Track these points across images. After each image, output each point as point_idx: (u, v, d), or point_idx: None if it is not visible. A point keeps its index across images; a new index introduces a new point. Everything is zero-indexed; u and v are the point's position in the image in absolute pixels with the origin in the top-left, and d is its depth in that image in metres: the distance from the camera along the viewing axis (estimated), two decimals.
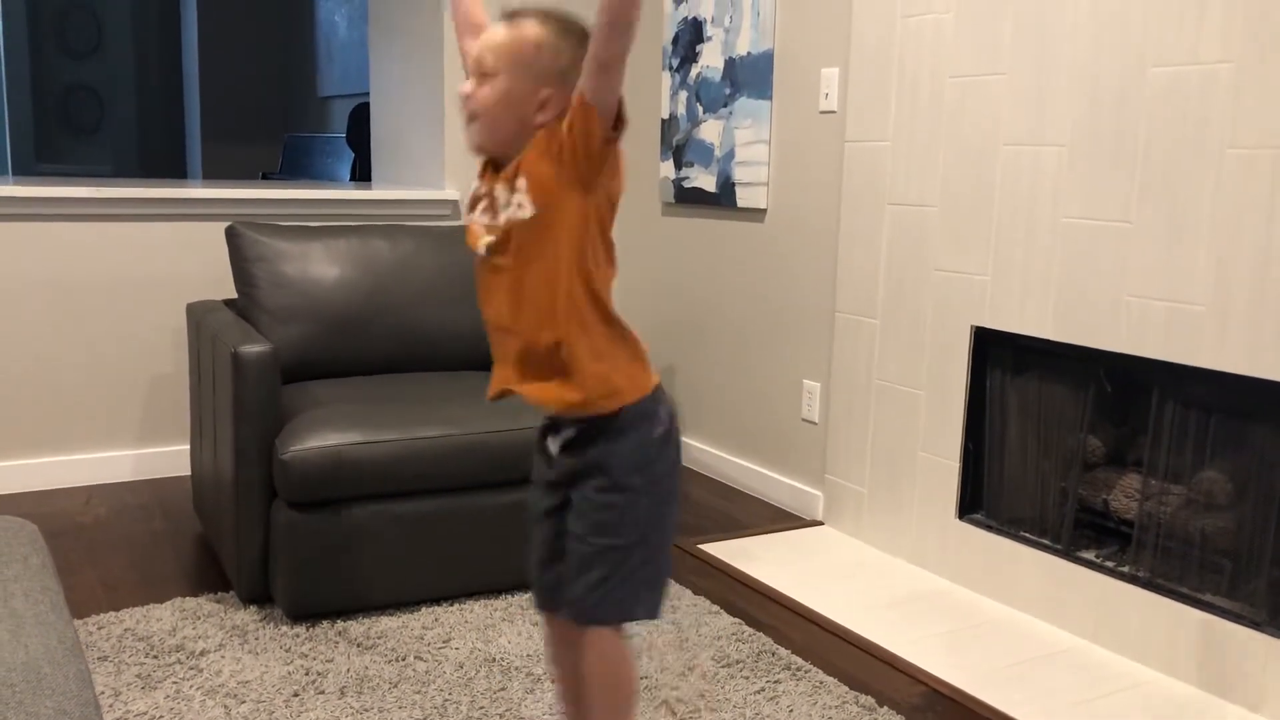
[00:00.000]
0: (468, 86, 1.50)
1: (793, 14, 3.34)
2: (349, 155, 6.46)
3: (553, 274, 1.51)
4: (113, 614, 2.50)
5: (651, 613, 1.61)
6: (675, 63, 3.81)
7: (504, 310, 1.55)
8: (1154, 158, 2.36)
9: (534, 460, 1.71)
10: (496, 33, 1.49)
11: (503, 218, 1.52)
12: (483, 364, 3.09)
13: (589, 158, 1.47)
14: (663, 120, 3.88)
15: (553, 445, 1.64)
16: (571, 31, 1.49)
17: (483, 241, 1.54)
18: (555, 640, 1.77)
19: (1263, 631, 2.23)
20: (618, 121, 1.47)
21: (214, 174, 8.07)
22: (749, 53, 3.48)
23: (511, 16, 1.49)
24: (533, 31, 1.47)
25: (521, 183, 1.49)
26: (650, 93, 3.97)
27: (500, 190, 1.52)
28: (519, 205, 1.49)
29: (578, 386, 1.54)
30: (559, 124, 1.47)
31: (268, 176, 7.51)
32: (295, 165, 7.44)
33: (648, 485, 1.58)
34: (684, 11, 3.75)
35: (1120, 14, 2.40)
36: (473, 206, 1.59)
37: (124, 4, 8.79)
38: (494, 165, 1.57)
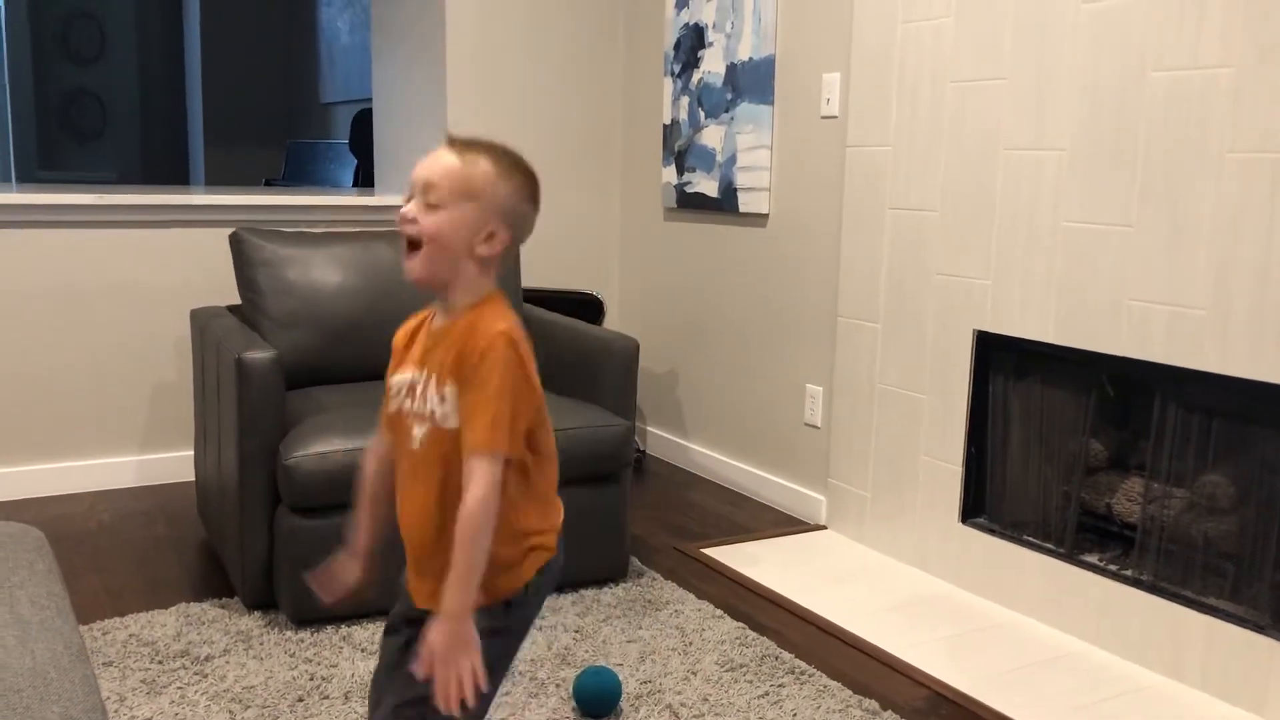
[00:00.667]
0: (411, 210, 1.45)
1: (794, 19, 3.35)
2: (352, 161, 6.48)
3: (448, 484, 1.44)
4: (118, 620, 2.51)
5: None
6: (677, 68, 3.82)
7: (424, 512, 1.49)
8: (1154, 161, 2.36)
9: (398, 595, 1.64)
10: (446, 161, 1.46)
11: (431, 415, 1.45)
12: None
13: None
14: (664, 126, 3.89)
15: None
16: (519, 170, 1.49)
17: (415, 436, 1.48)
18: None
19: (1266, 635, 2.24)
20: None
21: (217, 180, 8.09)
22: (750, 58, 3.49)
23: (460, 147, 1.47)
24: (484, 166, 1.46)
25: (449, 391, 1.44)
26: (652, 98, 3.98)
27: (430, 388, 1.46)
28: (445, 416, 1.44)
29: (482, 591, 1.44)
30: (480, 360, 1.41)
31: (271, 183, 7.53)
32: (298, 171, 7.46)
33: (497, 644, 1.48)
34: (685, 17, 3.76)
35: (1120, 18, 2.41)
36: (398, 390, 1.52)
37: (127, 10, 8.81)
38: (423, 347, 1.51)
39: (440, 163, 1.46)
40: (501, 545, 1.44)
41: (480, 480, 1.38)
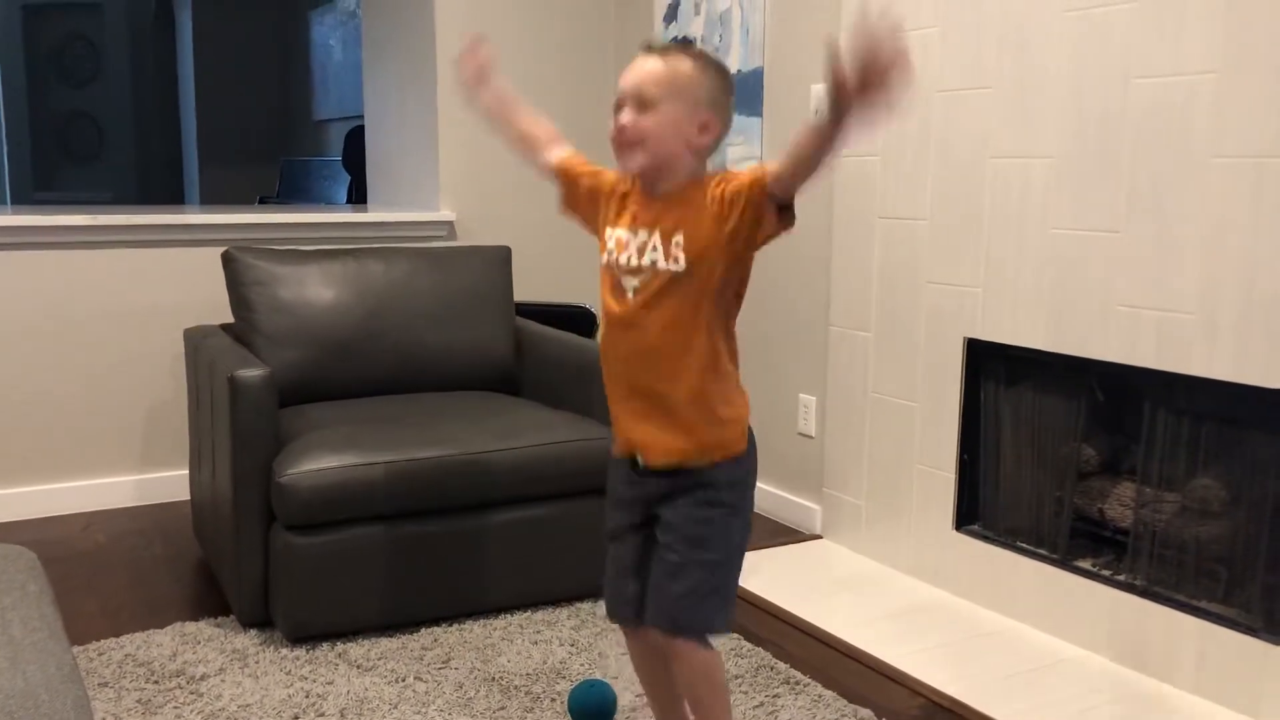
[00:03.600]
0: (626, 117, 1.60)
1: (782, 31, 3.37)
2: (345, 178, 6.49)
3: (692, 327, 1.61)
4: (113, 640, 2.51)
5: (728, 625, 1.70)
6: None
7: (637, 359, 1.65)
8: (1140, 168, 2.38)
9: (612, 478, 1.79)
10: (650, 65, 1.61)
11: (652, 267, 1.61)
12: (478, 384, 3.12)
13: (750, 243, 1.60)
14: (614, 144, 3.90)
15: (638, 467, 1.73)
16: (713, 63, 1.63)
17: (630, 287, 1.64)
18: (639, 651, 1.84)
19: (1259, 638, 2.24)
20: (786, 218, 1.59)
21: (212, 199, 8.11)
22: (739, 70, 3.50)
23: (660, 51, 1.62)
24: (686, 64, 1.60)
25: (679, 238, 1.59)
26: None
27: (654, 240, 1.62)
28: (674, 260, 1.59)
29: (697, 439, 1.65)
30: (732, 196, 1.57)
31: (265, 200, 7.54)
32: (293, 189, 7.47)
33: (739, 504, 1.69)
34: (674, 30, 3.78)
35: (1103, 26, 2.43)
36: (616, 249, 1.67)
37: (122, 32, 8.84)
38: (634, 213, 1.66)
39: (645, 68, 1.61)
40: (723, 407, 1.66)
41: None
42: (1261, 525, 2.28)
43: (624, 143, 1.61)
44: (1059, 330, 2.57)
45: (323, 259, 3.05)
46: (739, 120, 3.50)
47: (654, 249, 1.62)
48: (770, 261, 3.47)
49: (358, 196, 6.20)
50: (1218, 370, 2.26)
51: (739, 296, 1.70)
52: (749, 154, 3.47)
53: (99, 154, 9.04)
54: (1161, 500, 2.48)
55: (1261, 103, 2.15)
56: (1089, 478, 2.67)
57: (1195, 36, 2.25)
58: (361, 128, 4.81)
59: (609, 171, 1.78)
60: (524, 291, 3.90)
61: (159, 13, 8.74)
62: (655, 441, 1.68)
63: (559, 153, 1.87)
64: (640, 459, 1.71)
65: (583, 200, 1.80)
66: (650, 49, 1.65)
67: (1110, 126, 2.43)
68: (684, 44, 1.70)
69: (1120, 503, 2.58)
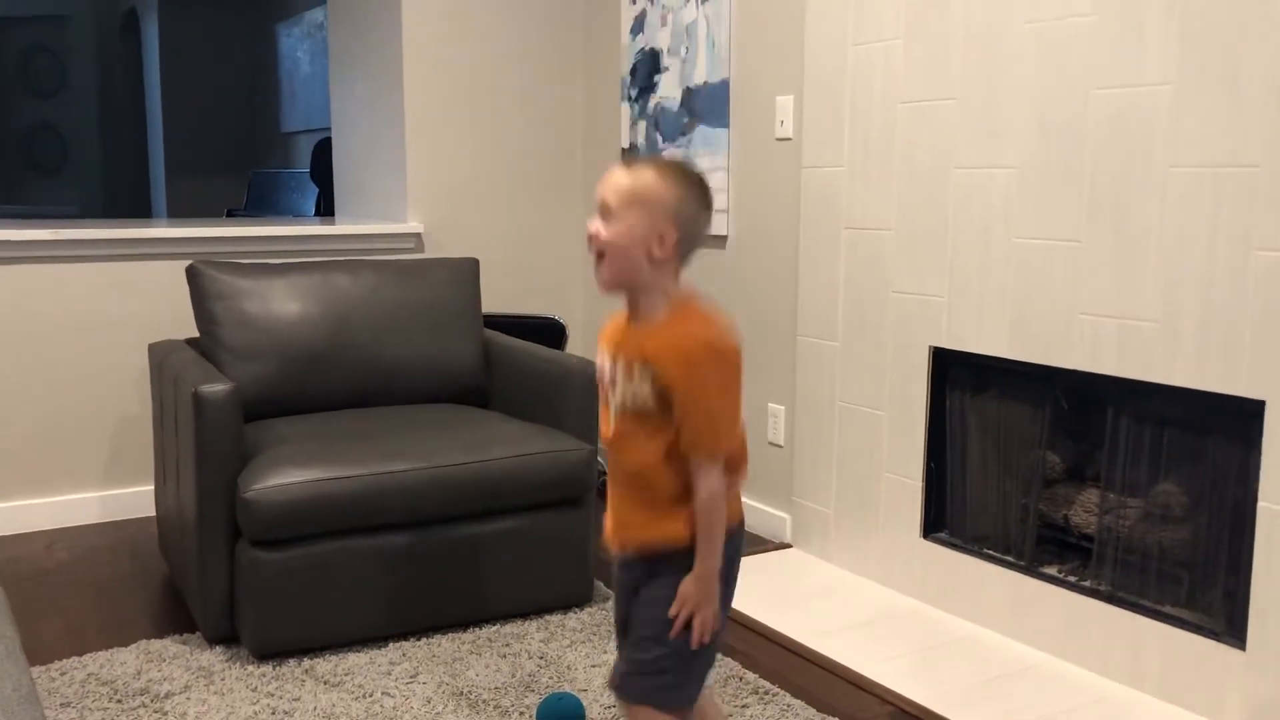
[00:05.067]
0: (594, 226, 1.66)
1: (747, 43, 3.38)
2: (313, 190, 6.47)
3: (667, 455, 1.64)
4: (76, 659, 2.48)
5: (689, 703, 1.73)
6: (634, 93, 3.85)
7: (622, 472, 1.72)
8: (1101, 178, 2.40)
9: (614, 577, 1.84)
10: (616, 177, 1.66)
11: (621, 398, 1.66)
12: (446, 396, 3.11)
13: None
14: (623, 150, 3.92)
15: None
16: (683, 175, 1.66)
17: (612, 407, 1.70)
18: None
19: (1220, 641, 2.27)
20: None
21: (179, 211, 8.06)
22: (705, 82, 3.52)
23: (629, 164, 1.66)
24: (648, 176, 1.64)
25: (645, 374, 1.63)
26: (610, 123, 4.00)
27: (622, 370, 1.66)
28: (634, 395, 1.64)
29: (669, 531, 1.67)
30: (686, 371, 1.60)
31: (233, 213, 7.50)
32: (261, 201, 7.44)
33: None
34: (641, 43, 3.79)
35: (1064, 38, 2.46)
36: (606, 379, 1.72)
37: (87, 43, 8.78)
38: (617, 340, 1.70)
39: (611, 181, 1.67)
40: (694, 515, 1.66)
41: (706, 482, 1.62)
42: (1222, 530, 2.31)
43: (594, 252, 1.66)
44: (1023, 339, 2.60)
45: (288, 272, 3.03)
46: (706, 132, 3.52)
47: (624, 380, 1.66)
48: (739, 272, 3.49)
49: (326, 208, 6.18)
50: (1178, 377, 2.29)
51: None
52: (715, 164, 3.49)
53: (64, 166, 8.97)
54: (1125, 506, 2.50)
55: (1217, 114, 2.18)
56: (1054, 485, 2.69)
57: (1153, 49, 2.29)
58: (329, 140, 4.79)
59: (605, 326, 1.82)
60: (492, 303, 3.91)
61: (125, 24, 8.69)
62: (626, 529, 1.73)
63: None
64: (615, 545, 1.76)
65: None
66: (625, 162, 1.69)
67: (1072, 137, 2.46)
68: (660, 158, 1.71)
69: (1085, 509, 2.60)
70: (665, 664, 1.69)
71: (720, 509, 1.63)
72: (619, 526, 1.74)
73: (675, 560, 1.68)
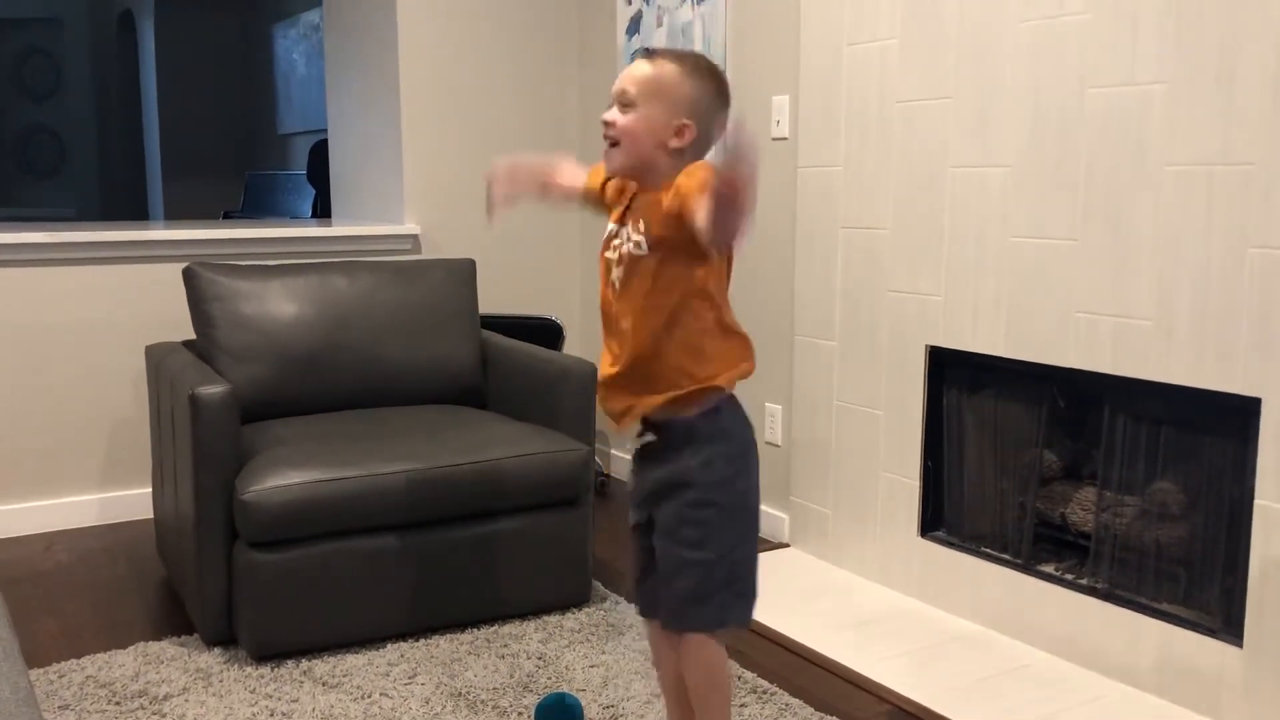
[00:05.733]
0: (611, 115, 1.67)
1: (742, 43, 3.39)
2: (310, 192, 6.47)
3: (663, 305, 1.68)
4: (74, 661, 2.48)
5: (742, 620, 1.76)
6: None
7: (620, 339, 1.74)
8: (1096, 176, 2.41)
9: (630, 478, 1.86)
10: (639, 67, 1.67)
11: (626, 255, 1.71)
12: (444, 397, 3.11)
13: (689, 249, 1.64)
14: (643, 49, 3.91)
15: (636, 449, 1.80)
16: (702, 69, 1.68)
17: (614, 277, 1.74)
18: (655, 643, 1.92)
19: (1218, 639, 2.27)
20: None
21: (176, 214, 8.05)
22: None
23: (650, 55, 1.68)
24: (670, 68, 1.65)
25: (641, 224, 1.68)
26: None
27: (628, 231, 1.71)
28: (636, 244, 1.68)
29: (677, 393, 1.71)
30: (674, 194, 1.62)
31: (230, 215, 7.50)
32: (257, 203, 7.43)
33: (729, 501, 1.73)
34: (636, 43, 3.79)
35: (1058, 38, 2.46)
36: (605, 245, 1.77)
37: (83, 45, 8.78)
38: (623, 210, 1.75)
39: (633, 71, 1.67)
40: (700, 365, 1.70)
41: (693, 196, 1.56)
42: (1219, 527, 2.32)
43: (607, 138, 1.69)
44: (1019, 337, 2.60)
45: (285, 274, 3.03)
46: None
47: (628, 239, 1.71)
48: (735, 272, 3.48)
49: (322, 210, 6.17)
50: (1174, 375, 2.29)
51: (723, 270, 1.73)
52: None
53: (60, 169, 8.96)
54: (1122, 504, 2.51)
55: (1211, 112, 2.19)
56: (1051, 483, 2.69)
57: (1147, 47, 2.29)
58: (326, 141, 4.79)
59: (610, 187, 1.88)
60: (489, 304, 3.90)
61: (120, 26, 8.68)
62: (637, 404, 1.75)
63: (581, 180, 1.95)
64: (630, 429, 1.78)
65: (602, 203, 1.90)
66: (646, 53, 1.71)
67: (1066, 136, 2.46)
68: (681, 50, 1.74)
69: (1082, 507, 2.60)
70: (721, 576, 1.69)
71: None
72: (632, 400, 1.72)
73: (701, 429, 1.68)
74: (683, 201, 1.61)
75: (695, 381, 1.71)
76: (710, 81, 1.68)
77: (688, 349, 1.71)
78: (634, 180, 1.73)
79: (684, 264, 1.68)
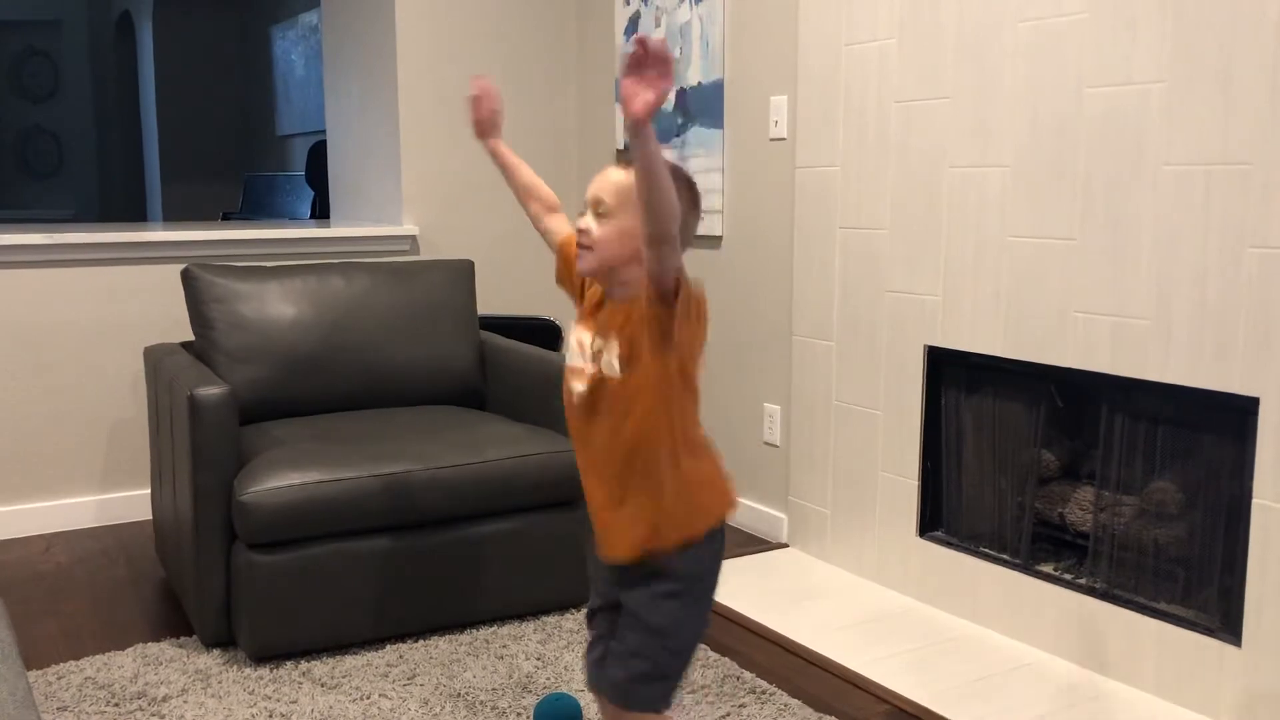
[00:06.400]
0: (584, 222, 1.67)
1: (741, 44, 3.39)
2: (309, 193, 6.47)
3: (638, 427, 1.65)
4: (73, 663, 2.48)
5: (669, 705, 1.75)
6: None
7: (592, 457, 1.72)
8: (1094, 176, 2.41)
9: (589, 560, 1.84)
10: (613, 175, 1.67)
11: (593, 369, 1.67)
12: (442, 398, 3.11)
13: (656, 321, 1.61)
14: (617, 151, 3.92)
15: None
16: (676, 177, 1.63)
17: (576, 391, 1.70)
18: (606, 714, 1.87)
19: (1216, 638, 2.27)
20: (677, 292, 1.59)
21: (175, 215, 8.05)
22: (699, 82, 3.52)
23: (625, 163, 1.65)
24: None
25: (615, 344, 1.65)
26: (604, 125, 4.01)
27: (597, 346, 1.68)
28: (609, 365, 1.65)
29: (665, 531, 1.67)
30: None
31: (229, 216, 7.50)
32: (256, 204, 7.43)
33: (697, 595, 1.72)
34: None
35: (1056, 37, 2.46)
36: (575, 349, 1.73)
37: (81, 47, 8.78)
38: (592, 307, 1.72)
39: (607, 179, 1.68)
40: (677, 500, 1.66)
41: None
42: (1217, 527, 2.32)
43: (580, 244, 1.68)
44: (1017, 337, 2.60)
45: (283, 275, 3.03)
46: (701, 132, 3.52)
47: (596, 357, 1.67)
48: (734, 272, 3.49)
49: (321, 211, 6.17)
50: (1172, 375, 2.29)
51: (689, 389, 1.69)
52: (711, 165, 3.49)
53: (58, 170, 8.96)
54: (1120, 504, 2.51)
55: (1209, 112, 2.19)
56: (1049, 483, 2.69)
57: (1145, 47, 2.29)
58: (324, 143, 4.79)
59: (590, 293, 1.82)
60: (488, 304, 3.91)
61: (119, 28, 8.68)
62: (613, 532, 1.72)
63: (562, 229, 1.93)
64: (603, 552, 1.76)
65: (576, 281, 1.85)
66: (618, 160, 1.70)
67: (1065, 135, 2.46)
68: None
69: (1080, 507, 2.61)
70: (667, 667, 1.70)
71: (662, 179, 1.48)
72: (615, 536, 1.71)
73: (682, 562, 1.68)
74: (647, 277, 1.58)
75: (685, 521, 1.69)
76: (682, 188, 1.64)
77: (672, 481, 1.67)
78: (603, 285, 1.70)
79: (657, 385, 1.63)
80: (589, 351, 1.70)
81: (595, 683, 1.82)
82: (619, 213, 1.64)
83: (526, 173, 2.03)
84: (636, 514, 1.67)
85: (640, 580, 1.70)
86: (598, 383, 1.67)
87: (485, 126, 2.03)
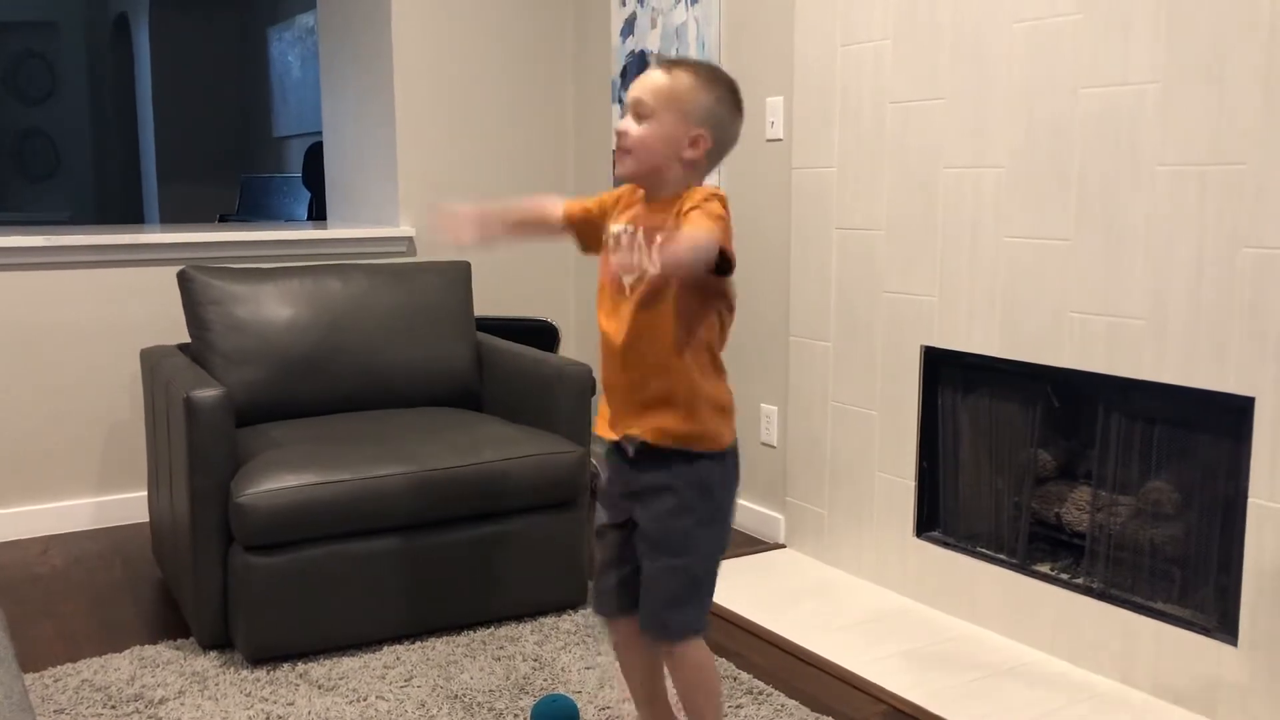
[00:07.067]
0: (626, 124, 1.67)
1: (736, 45, 3.39)
2: (306, 195, 6.47)
3: (674, 324, 1.67)
4: (70, 665, 2.48)
5: (703, 625, 1.78)
6: (624, 95, 3.84)
7: (628, 346, 1.72)
8: (1089, 176, 2.41)
9: (602, 475, 1.86)
10: (654, 77, 1.67)
11: (639, 263, 1.68)
12: (439, 399, 3.11)
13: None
14: (613, 152, 3.92)
15: (625, 455, 1.78)
16: (718, 80, 1.68)
17: (626, 283, 1.71)
18: (623, 648, 1.91)
19: (1212, 637, 2.27)
20: (722, 264, 1.62)
21: (172, 217, 8.05)
22: None
23: (666, 65, 1.67)
24: (685, 78, 1.65)
25: (656, 242, 1.66)
26: (600, 125, 4.01)
27: (641, 240, 1.69)
28: (653, 262, 1.66)
29: (686, 422, 1.70)
30: (696, 201, 1.63)
31: (225, 218, 7.49)
32: (253, 206, 7.43)
33: (710, 513, 1.74)
34: (631, 45, 3.79)
35: (1052, 37, 2.46)
36: (614, 245, 1.74)
37: (77, 49, 8.77)
38: (633, 215, 1.73)
39: (648, 80, 1.67)
40: (705, 405, 1.70)
41: (698, 229, 1.55)
42: (1213, 526, 2.32)
43: (620, 148, 1.69)
44: (1013, 337, 2.61)
45: (279, 277, 3.03)
46: None
47: (640, 249, 1.69)
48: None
49: (318, 213, 6.17)
50: (1167, 375, 2.30)
51: (727, 306, 1.73)
52: None
53: (55, 172, 8.95)
54: (1116, 504, 2.51)
55: (1203, 112, 2.19)
56: (1046, 483, 2.70)
57: (1139, 47, 2.30)
58: (321, 144, 4.79)
59: (610, 192, 1.85)
60: (485, 306, 3.90)
61: (116, 30, 8.68)
62: (640, 424, 1.74)
63: (559, 208, 1.91)
64: (624, 440, 1.77)
65: (596, 230, 1.85)
66: (661, 62, 1.70)
67: (1060, 136, 2.47)
68: (696, 60, 1.74)
69: (1077, 507, 2.61)
70: (694, 583, 1.72)
71: (699, 249, 1.54)
72: (626, 417, 1.72)
73: (699, 471, 1.69)
74: (686, 219, 1.62)
75: (703, 423, 1.72)
76: (725, 91, 1.68)
77: (703, 386, 1.72)
78: (643, 187, 1.72)
79: (695, 292, 1.68)
80: (629, 244, 1.70)
81: (608, 609, 1.84)
82: (660, 113, 1.64)
83: (521, 213, 1.94)
84: (657, 400, 1.69)
85: (652, 491, 1.71)
86: (638, 279, 1.68)
87: (486, 235, 1.93)
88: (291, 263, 3.61)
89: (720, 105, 1.67)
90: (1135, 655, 2.40)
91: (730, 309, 1.75)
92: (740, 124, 1.72)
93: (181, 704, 2.31)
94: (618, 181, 1.80)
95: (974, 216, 2.67)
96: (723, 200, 1.65)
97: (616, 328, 1.74)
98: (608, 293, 1.77)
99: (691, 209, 1.62)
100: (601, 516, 1.87)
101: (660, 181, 1.68)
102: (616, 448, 1.80)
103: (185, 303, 2.95)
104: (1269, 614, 2.17)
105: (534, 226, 1.94)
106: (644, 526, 1.75)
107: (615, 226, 1.77)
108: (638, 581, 1.81)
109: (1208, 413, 2.30)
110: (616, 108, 3.89)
